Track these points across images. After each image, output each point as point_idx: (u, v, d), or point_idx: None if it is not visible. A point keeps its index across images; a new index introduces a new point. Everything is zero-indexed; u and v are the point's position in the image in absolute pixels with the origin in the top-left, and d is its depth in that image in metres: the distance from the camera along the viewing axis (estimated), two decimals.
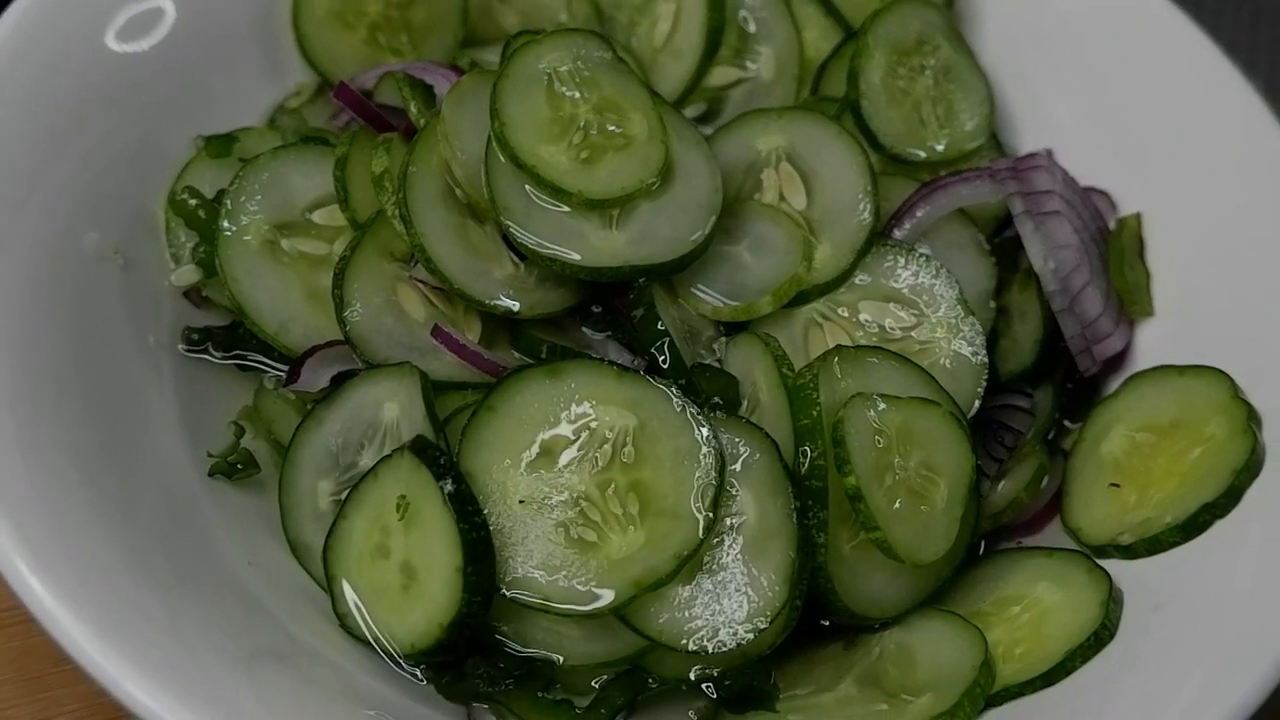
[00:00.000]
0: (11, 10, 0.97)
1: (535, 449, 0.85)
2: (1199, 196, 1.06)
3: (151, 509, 0.88)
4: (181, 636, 0.79)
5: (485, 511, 0.83)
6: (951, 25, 1.14)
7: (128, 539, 0.83)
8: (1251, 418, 0.93)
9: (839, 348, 0.92)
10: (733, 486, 0.86)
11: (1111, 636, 0.86)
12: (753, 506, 0.86)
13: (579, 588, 0.83)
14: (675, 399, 0.86)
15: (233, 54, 1.09)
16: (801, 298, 0.98)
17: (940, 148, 1.09)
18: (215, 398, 0.99)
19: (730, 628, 0.84)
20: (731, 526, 0.86)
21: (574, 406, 0.86)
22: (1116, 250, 1.06)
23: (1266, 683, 0.79)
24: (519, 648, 0.87)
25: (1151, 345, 1.05)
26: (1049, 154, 1.08)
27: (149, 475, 0.90)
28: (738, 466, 0.86)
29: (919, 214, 1.02)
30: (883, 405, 0.89)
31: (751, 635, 0.84)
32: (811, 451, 0.87)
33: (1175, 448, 0.96)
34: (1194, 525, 0.90)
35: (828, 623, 0.93)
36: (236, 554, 0.91)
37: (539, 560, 0.83)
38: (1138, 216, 1.08)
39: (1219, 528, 0.90)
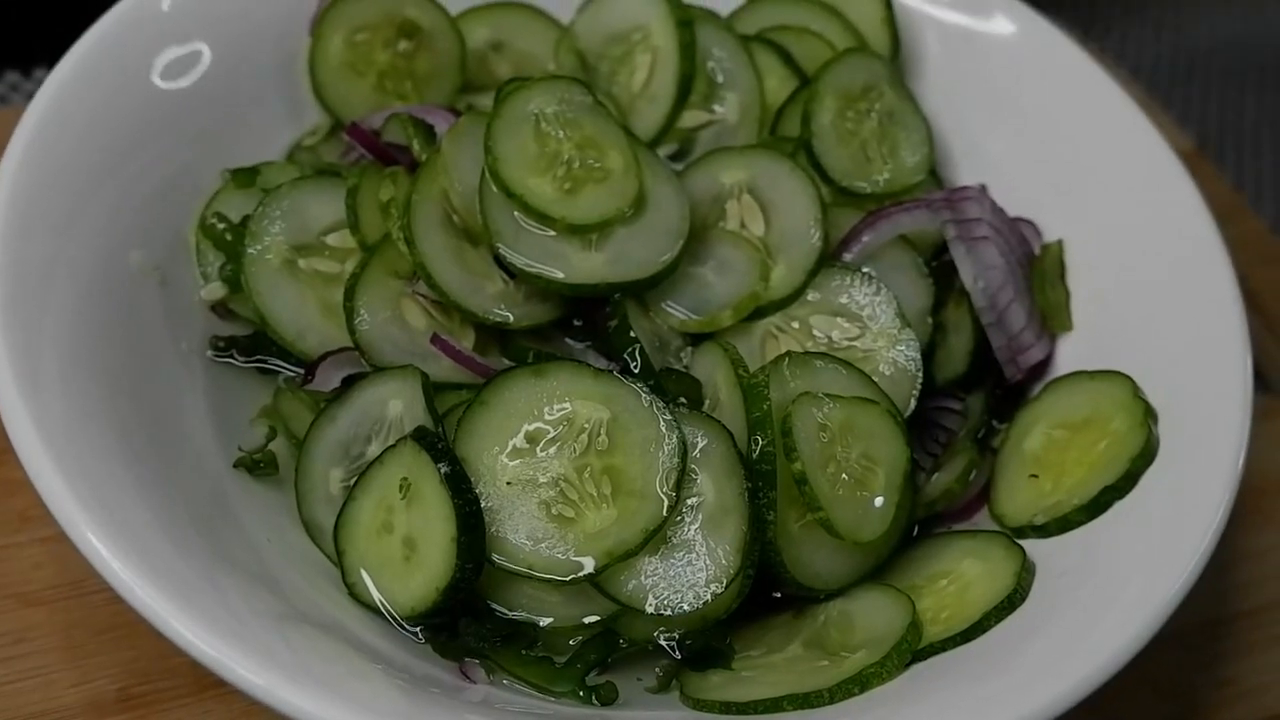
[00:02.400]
0: (74, 49, 1.08)
1: (521, 438, 0.95)
2: (1111, 227, 1.17)
3: (187, 489, 0.97)
4: (224, 599, 0.88)
5: (477, 491, 0.93)
6: (895, 74, 1.24)
7: (170, 513, 0.92)
8: (1148, 414, 1.04)
9: (789, 353, 1.02)
10: (694, 471, 0.96)
11: (1023, 599, 0.97)
12: (710, 488, 0.96)
13: (559, 557, 0.93)
14: (644, 395, 0.96)
15: (259, 94, 1.20)
16: (759, 312, 1.09)
17: (884, 180, 1.18)
18: (239, 397, 1.09)
19: (691, 592, 0.94)
20: (692, 506, 0.96)
21: (555, 401, 0.96)
22: (1039, 272, 1.16)
23: (1148, 632, 0.89)
24: (506, 612, 0.97)
25: (1069, 356, 1.15)
26: (981, 188, 1.18)
27: (184, 460, 1.00)
28: (698, 454, 0.96)
29: (865, 239, 1.12)
30: (828, 403, 0.99)
31: (708, 598, 0.94)
32: (762, 440, 0.97)
33: (1085, 441, 1.06)
34: (1097, 505, 1.01)
35: (779, 595, 1.02)
36: (259, 532, 1.00)
37: (524, 534, 0.93)
38: (1059, 243, 1.18)
39: (1118, 507, 1.00)
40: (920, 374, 1.08)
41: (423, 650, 0.97)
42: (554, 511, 0.94)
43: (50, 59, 1.09)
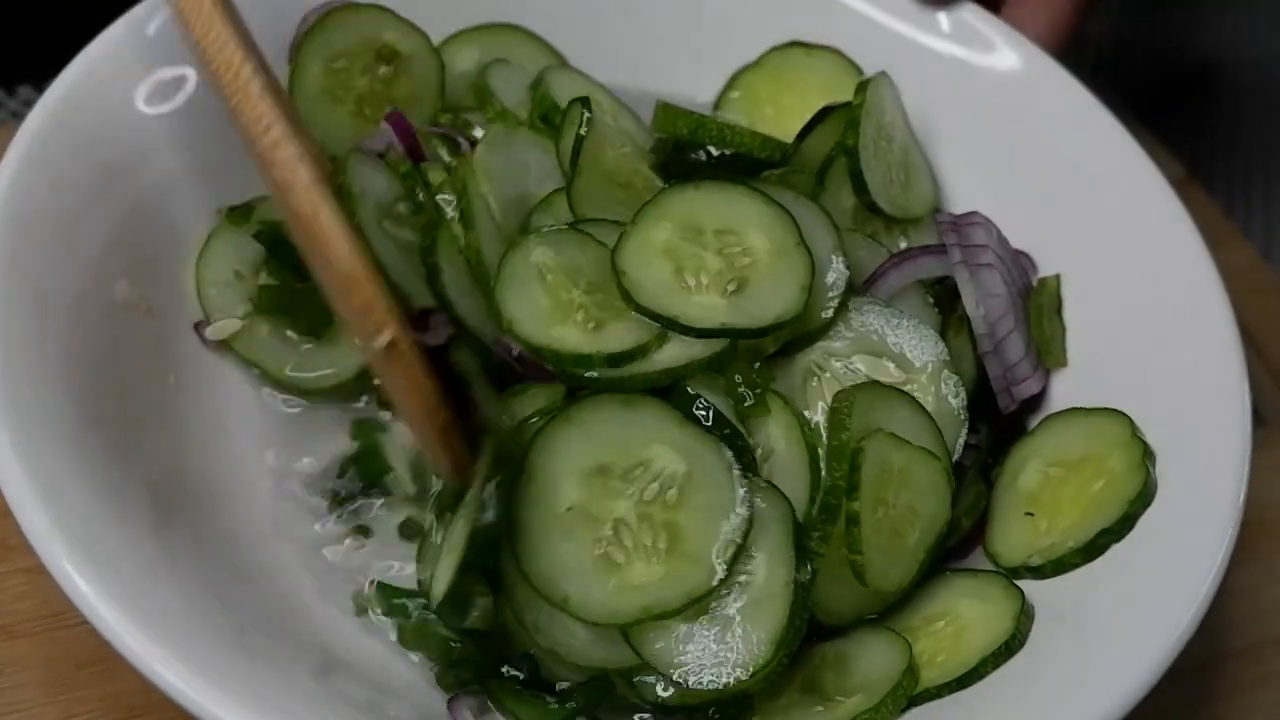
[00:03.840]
0: (61, 77, 1.07)
1: (594, 466, 0.94)
2: (1104, 258, 1.17)
3: (173, 522, 0.97)
4: (209, 639, 0.87)
5: (536, 505, 0.92)
6: (904, 111, 1.24)
7: (154, 547, 0.92)
8: (1146, 454, 1.03)
9: (873, 383, 1.02)
10: (751, 549, 0.94)
11: (1021, 645, 0.96)
12: (763, 569, 0.94)
13: (595, 597, 0.91)
14: (726, 458, 0.95)
15: None
16: (796, 344, 1.05)
17: (903, 206, 1.18)
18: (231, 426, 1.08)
19: (714, 671, 0.92)
20: (740, 583, 0.94)
21: (639, 440, 0.95)
22: (1036, 306, 1.16)
23: (1146, 683, 0.89)
24: (533, 637, 0.95)
25: (1062, 388, 1.14)
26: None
27: (171, 493, 0.99)
28: (758, 529, 0.94)
29: (891, 280, 1.12)
30: (897, 445, 0.98)
31: (730, 683, 0.92)
32: (835, 471, 0.96)
33: (1081, 479, 1.05)
34: (1093, 548, 1.00)
35: None
36: (249, 566, 0.99)
37: (568, 563, 0.92)
38: (1057, 277, 1.18)
39: (1116, 548, 0.99)
40: (966, 420, 1.07)
41: (415, 689, 0.97)
42: (603, 551, 0.93)
43: (34, 76, 1.08)
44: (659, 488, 0.94)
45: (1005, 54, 1.28)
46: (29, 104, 1.05)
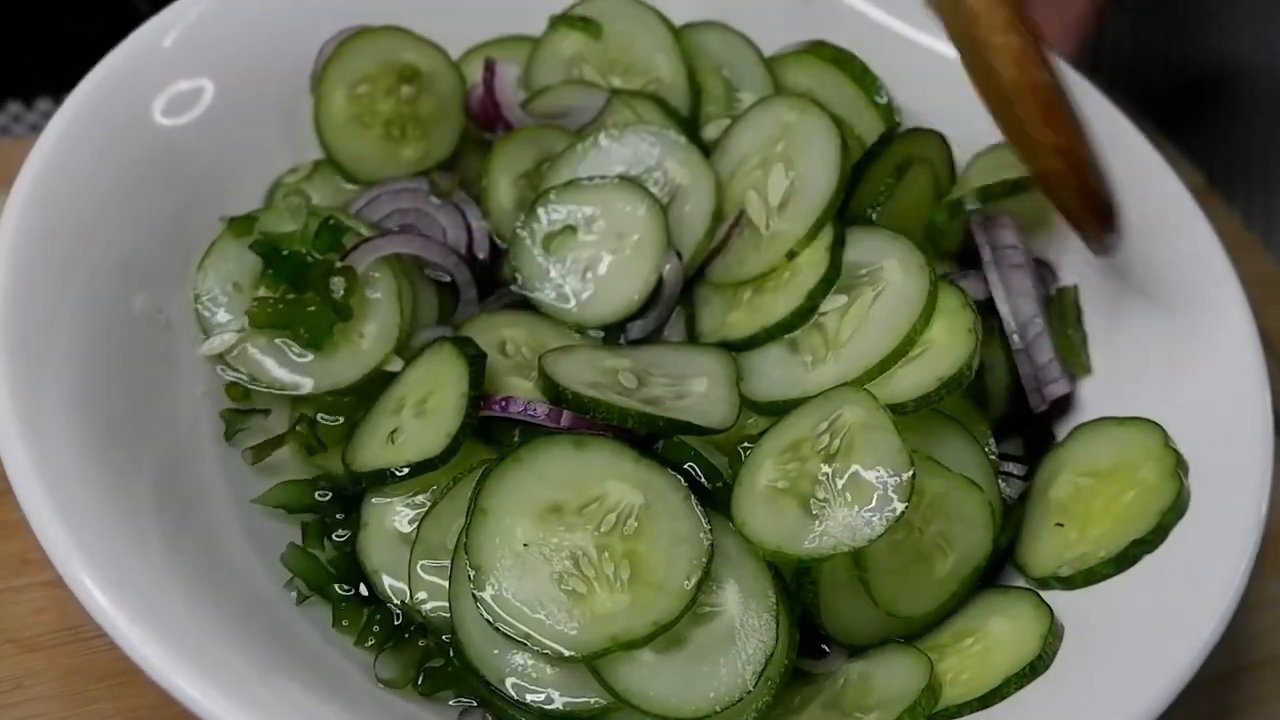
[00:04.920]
0: (79, 88, 1.07)
1: (547, 504, 0.93)
2: (1126, 268, 1.16)
3: (192, 536, 0.97)
4: (224, 651, 0.87)
5: (492, 545, 0.91)
6: None
7: (172, 560, 0.92)
8: (1179, 465, 1.02)
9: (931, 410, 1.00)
10: (720, 579, 0.94)
11: (1047, 667, 0.94)
12: (735, 598, 0.94)
13: (560, 630, 0.90)
14: (681, 489, 0.95)
15: (262, 131, 1.19)
16: None
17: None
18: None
19: (693, 704, 0.91)
20: (711, 612, 0.93)
21: (591, 477, 0.94)
22: (1058, 314, 1.16)
23: (1169, 694, 0.88)
24: (497, 686, 0.93)
25: (1086, 401, 1.14)
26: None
27: (190, 507, 0.99)
28: (727, 562, 0.94)
29: None
30: (930, 468, 0.97)
31: (708, 714, 0.91)
32: None
33: (1112, 490, 1.04)
34: (1125, 559, 0.99)
35: (827, 649, 1.00)
36: (265, 580, 1.00)
37: (529, 597, 0.91)
38: (1075, 287, 1.17)
39: (1148, 561, 0.99)
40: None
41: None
42: (566, 584, 0.91)
43: (52, 90, 1.09)
44: (615, 519, 0.93)
45: None
46: (47, 116, 1.05)
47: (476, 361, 1.01)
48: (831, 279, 1.07)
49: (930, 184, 1.19)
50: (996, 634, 0.99)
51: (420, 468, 0.98)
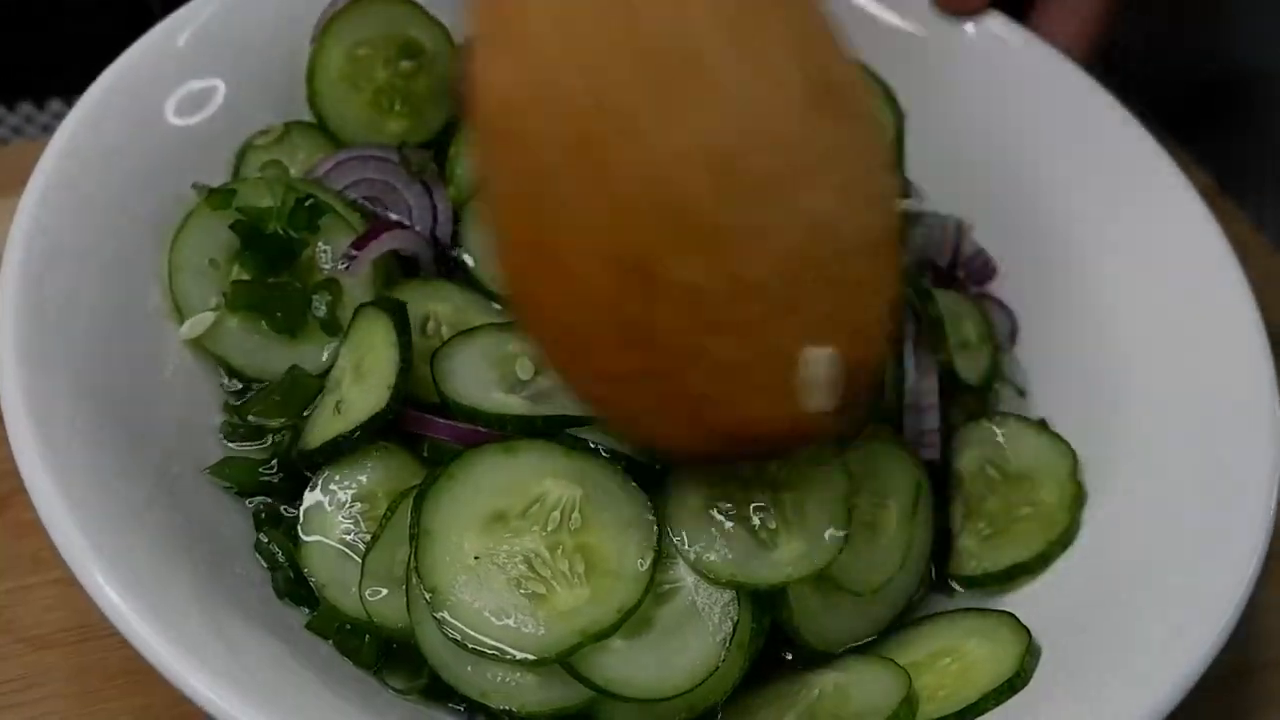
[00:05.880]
0: (93, 88, 1.08)
1: (490, 513, 0.93)
2: (1134, 268, 1.17)
3: (205, 536, 0.97)
4: (235, 650, 0.87)
5: (443, 564, 0.91)
6: None
7: (184, 560, 0.92)
8: (1078, 498, 1.05)
9: None
10: (671, 555, 0.94)
11: (1025, 684, 0.95)
12: (692, 574, 0.94)
13: (527, 634, 0.89)
14: (618, 474, 0.95)
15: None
16: None
17: None
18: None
19: (673, 681, 0.91)
20: (672, 591, 0.93)
21: (527, 480, 0.94)
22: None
23: (1178, 694, 0.89)
24: (478, 699, 0.92)
25: (1090, 397, 1.15)
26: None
27: (204, 507, 0.99)
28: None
29: None
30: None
31: (690, 688, 0.91)
32: None
33: (1011, 497, 1.08)
34: (1006, 575, 1.04)
35: (790, 656, 1.01)
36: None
37: (491, 609, 0.90)
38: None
39: (1144, 563, 0.99)
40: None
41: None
42: (524, 589, 0.91)
43: (63, 91, 1.09)
44: (560, 515, 0.93)
45: (1033, 64, 1.28)
46: (59, 117, 1.06)
47: (399, 311, 1.00)
48: None
49: None
50: (974, 654, 0.99)
51: (369, 425, 0.97)
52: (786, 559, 0.94)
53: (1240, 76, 1.73)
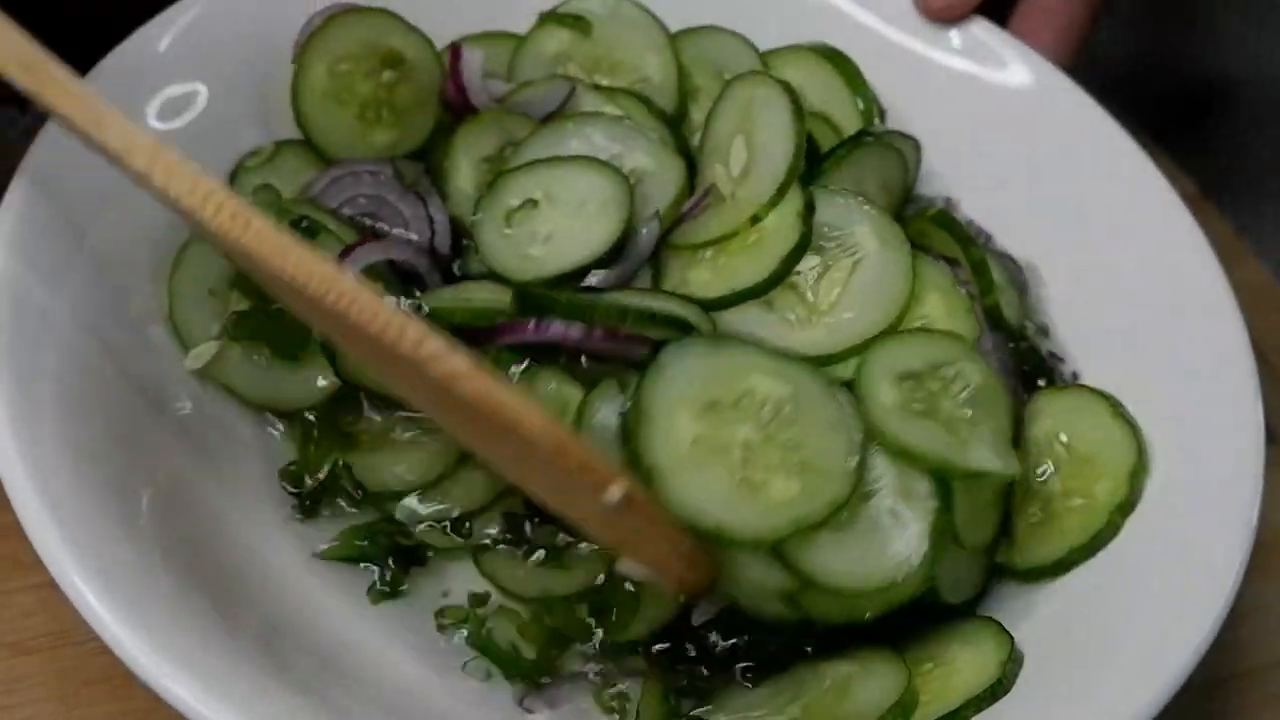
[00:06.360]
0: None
1: (704, 401, 0.95)
2: (1117, 276, 1.17)
3: (187, 540, 0.97)
4: (221, 656, 0.87)
5: (661, 444, 0.93)
6: None
7: (165, 565, 0.91)
8: (1128, 501, 1.04)
9: None
10: (873, 457, 0.97)
11: (1007, 691, 0.95)
12: (891, 474, 0.97)
13: (747, 519, 0.92)
14: (822, 379, 0.98)
15: (255, 133, 1.19)
16: None
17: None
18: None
19: (877, 575, 0.95)
20: (873, 491, 0.97)
21: (735, 373, 0.97)
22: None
23: (1159, 701, 0.89)
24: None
25: None
26: None
27: (185, 511, 0.99)
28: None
29: None
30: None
31: (893, 581, 0.95)
32: None
33: (1070, 482, 1.07)
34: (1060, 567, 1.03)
35: (810, 649, 1.02)
36: (264, 584, 1.00)
37: (710, 495, 0.93)
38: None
39: (1125, 568, 0.99)
40: None
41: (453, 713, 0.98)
42: (739, 476, 0.94)
43: None
44: (773, 410, 0.96)
45: (1017, 69, 1.29)
46: (42, 120, 1.05)
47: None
48: (804, 246, 1.08)
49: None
50: (957, 660, 1.00)
51: None
52: (979, 455, 0.99)
53: (1224, 83, 1.73)
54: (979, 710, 0.94)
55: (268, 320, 1.07)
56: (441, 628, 1.03)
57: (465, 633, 1.03)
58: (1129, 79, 1.70)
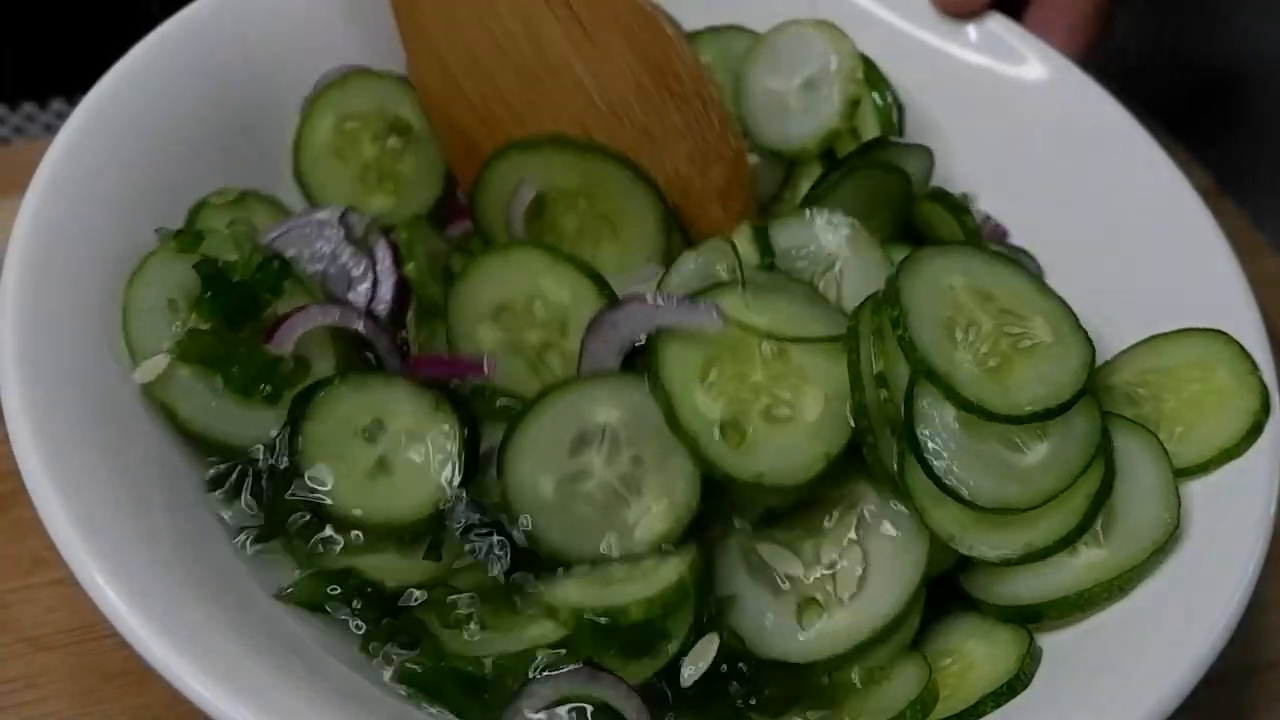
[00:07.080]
0: (93, 91, 1.08)
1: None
2: (1133, 270, 1.17)
3: (203, 539, 0.97)
4: (237, 654, 0.87)
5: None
6: None
7: (182, 562, 0.92)
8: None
9: None
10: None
11: (1025, 686, 0.95)
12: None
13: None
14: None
15: (266, 143, 1.19)
16: None
17: None
18: None
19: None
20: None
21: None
22: None
23: (1180, 693, 0.89)
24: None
25: None
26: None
27: (201, 511, 0.99)
28: None
29: None
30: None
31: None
32: None
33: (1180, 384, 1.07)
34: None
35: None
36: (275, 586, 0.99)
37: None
38: None
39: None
40: None
41: None
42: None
43: (66, 90, 1.08)
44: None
45: (1033, 64, 1.29)
46: (61, 117, 1.06)
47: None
48: None
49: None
50: (974, 655, 0.99)
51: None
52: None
53: (1239, 76, 1.73)
54: (998, 705, 0.93)
55: (224, 345, 1.01)
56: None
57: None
58: (1145, 73, 1.70)
